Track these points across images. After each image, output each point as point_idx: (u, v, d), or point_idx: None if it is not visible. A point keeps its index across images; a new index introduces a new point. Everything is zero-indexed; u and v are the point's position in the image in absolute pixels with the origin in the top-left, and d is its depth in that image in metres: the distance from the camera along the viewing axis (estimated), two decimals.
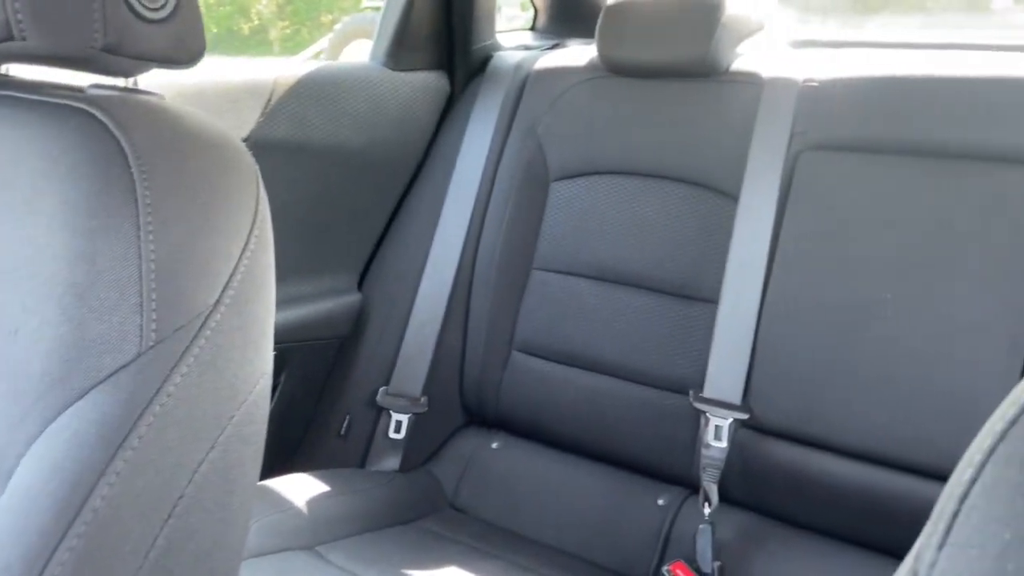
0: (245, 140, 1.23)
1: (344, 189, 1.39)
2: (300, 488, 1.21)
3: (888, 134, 1.13)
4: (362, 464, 1.38)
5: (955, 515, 0.26)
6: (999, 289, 1.02)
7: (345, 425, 1.39)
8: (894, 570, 0.29)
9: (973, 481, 0.27)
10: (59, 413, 0.42)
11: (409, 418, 1.37)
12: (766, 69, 1.27)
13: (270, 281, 0.52)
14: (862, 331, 1.08)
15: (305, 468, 1.32)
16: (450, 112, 1.50)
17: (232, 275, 0.47)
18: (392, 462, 1.37)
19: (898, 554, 0.30)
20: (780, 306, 1.15)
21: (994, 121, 1.07)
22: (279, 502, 1.16)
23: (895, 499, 1.06)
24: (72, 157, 0.46)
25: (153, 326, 0.44)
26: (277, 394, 1.31)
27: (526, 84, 1.45)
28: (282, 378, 1.31)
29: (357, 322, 1.42)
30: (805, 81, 1.22)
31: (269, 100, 1.27)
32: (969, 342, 1.02)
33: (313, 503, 1.18)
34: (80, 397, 0.43)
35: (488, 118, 1.45)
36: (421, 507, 1.32)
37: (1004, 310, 1.01)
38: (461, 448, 1.41)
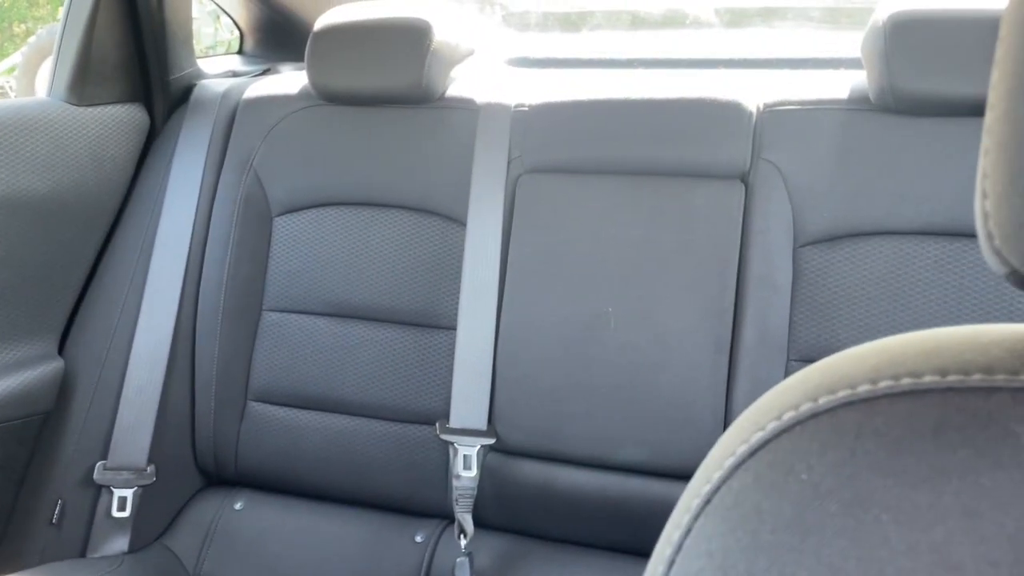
0: None
1: (30, 243, 1.21)
2: None
3: (592, 154, 1.19)
4: (83, 553, 1.21)
5: (688, 528, 0.28)
6: (701, 295, 1.10)
7: (57, 511, 1.22)
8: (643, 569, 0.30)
9: (708, 497, 0.28)
10: None
11: (135, 492, 1.23)
12: (480, 94, 1.28)
13: None
14: (590, 345, 1.13)
15: (13, 567, 1.14)
16: (152, 148, 1.37)
17: None
18: (119, 544, 1.22)
19: (645, 552, 0.31)
20: (514, 328, 1.17)
21: (682, 139, 1.16)
22: None
23: (635, 501, 1.12)
24: None
25: None
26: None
27: (236, 114, 1.36)
28: None
29: (61, 392, 1.25)
30: (517, 106, 1.25)
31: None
32: (682, 346, 1.10)
33: None
34: None
35: (197, 152, 1.34)
36: None
37: (707, 314, 1.10)
38: (200, 515, 1.29)
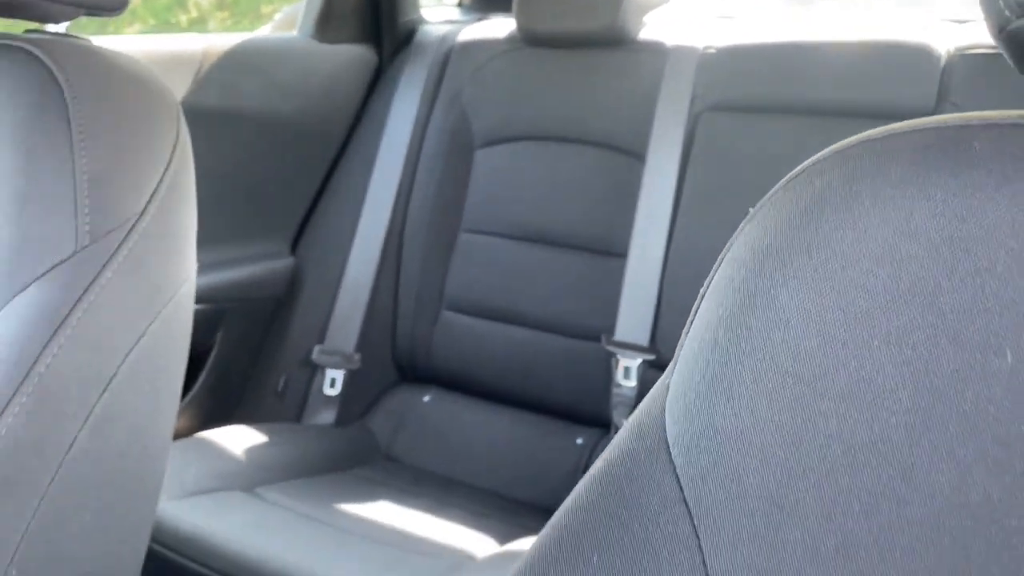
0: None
1: (275, 157, 1.45)
2: (238, 438, 1.27)
3: (774, 95, 1.24)
4: (299, 419, 1.44)
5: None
6: None
7: (282, 383, 1.45)
8: None
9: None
10: (8, 301, 0.49)
11: (344, 374, 1.44)
12: (670, 38, 1.36)
13: (191, 198, 0.59)
14: None
15: (243, 423, 1.39)
16: (377, 83, 1.57)
17: (156, 189, 0.54)
18: (328, 416, 1.44)
19: None
20: (682, 257, 1.26)
21: (866, 81, 1.18)
22: (218, 450, 1.22)
23: None
24: (11, 86, 0.53)
25: (87, 228, 0.51)
26: (215, 352, 1.37)
27: (450, 56, 1.53)
28: (219, 336, 1.37)
29: (291, 284, 1.48)
30: (704, 48, 1.32)
31: (199, 70, 1.32)
32: None
33: (251, 451, 1.25)
34: (24, 288, 0.49)
35: (414, 89, 1.53)
36: (356, 457, 1.39)
37: None
38: (394, 403, 1.49)
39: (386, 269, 1.49)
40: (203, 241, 1.31)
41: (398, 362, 1.51)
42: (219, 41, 1.36)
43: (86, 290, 0.50)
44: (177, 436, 1.28)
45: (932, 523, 0.28)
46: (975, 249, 0.29)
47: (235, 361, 1.43)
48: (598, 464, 0.36)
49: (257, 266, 1.43)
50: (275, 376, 1.47)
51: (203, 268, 1.32)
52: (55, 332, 0.48)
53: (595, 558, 0.33)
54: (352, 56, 1.53)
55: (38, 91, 0.52)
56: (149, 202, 0.54)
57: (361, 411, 1.49)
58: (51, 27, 0.62)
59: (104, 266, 0.51)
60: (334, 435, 1.41)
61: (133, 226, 0.53)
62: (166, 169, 0.56)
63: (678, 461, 0.33)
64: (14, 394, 0.46)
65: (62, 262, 0.50)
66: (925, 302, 0.30)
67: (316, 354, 1.44)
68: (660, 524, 0.32)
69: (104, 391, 0.50)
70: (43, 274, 0.50)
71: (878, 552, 0.29)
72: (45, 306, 0.49)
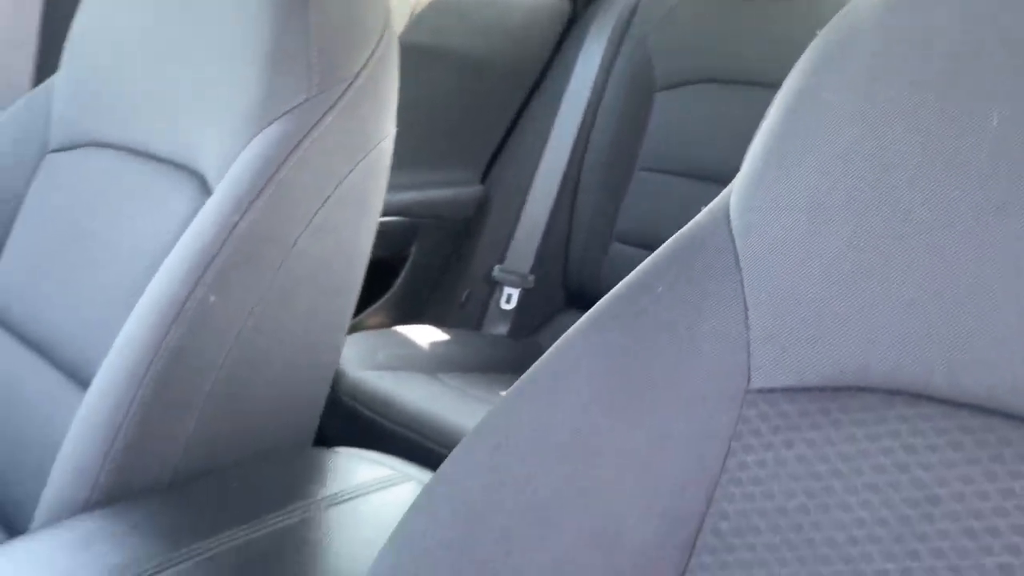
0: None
1: (474, 93, 1.61)
2: (424, 334, 1.45)
3: None
4: (477, 329, 1.61)
5: None
6: None
7: (465, 295, 1.62)
8: None
9: None
10: (258, 133, 0.66)
11: (519, 292, 1.59)
12: None
13: (395, 68, 0.74)
14: None
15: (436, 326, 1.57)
16: (570, 29, 1.69)
17: (371, 56, 0.69)
18: (502, 328, 1.59)
19: None
20: None
21: None
22: (407, 340, 1.41)
23: None
24: None
25: (316, 81, 0.66)
26: (410, 261, 1.56)
27: (639, 2, 1.62)
28: (413, 248, 1.56)
29: (479, 209, 1.64)
30: None
31: (414, 11, 1.50)
32: None
33: (435, 345, 1.42)
34: (270, 124, 0.66)
35: (602, 35, 1.63)
36: (524, 365, 1.52)
37: None
38: (562, 323, 1.61)
39: (563, 201, 1.61)
40: (405, 163, 1.49)
41: (568, 287, 1.63)
42: None
43: (313, 127, 0.66)
44: (372, 329, 1.48)
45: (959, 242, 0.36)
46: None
47: (426, 271, 1.61)
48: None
49: (450, 190, 1.60)
50: (459, 289, 1.64)
51: (404, 187, 1.51)
52: (288, 156, 0.64)
53: (660, 288, 0.43)
54: (548, 4, 1.66)
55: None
56: (363, 67, 0.69)
57: (532, 328, 1.63)
58: None
59: (326, 112, 0.67)
60: (507, 344, 1.57)
61: (351, 83, 0.68)
62: (379, 41, 0.71)
63: (734, 222, 0.43)
64: (259, 194, 0.62)
65: (297, 106, 0.66)
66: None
67: (496, 272, 1.60)
68: (713, 265, 0.42)
69: (322, 205, 0.66)
70: (283, 114, 0.66)
71: (903, 269, 0.37)
72: (283, 137, 0.65)
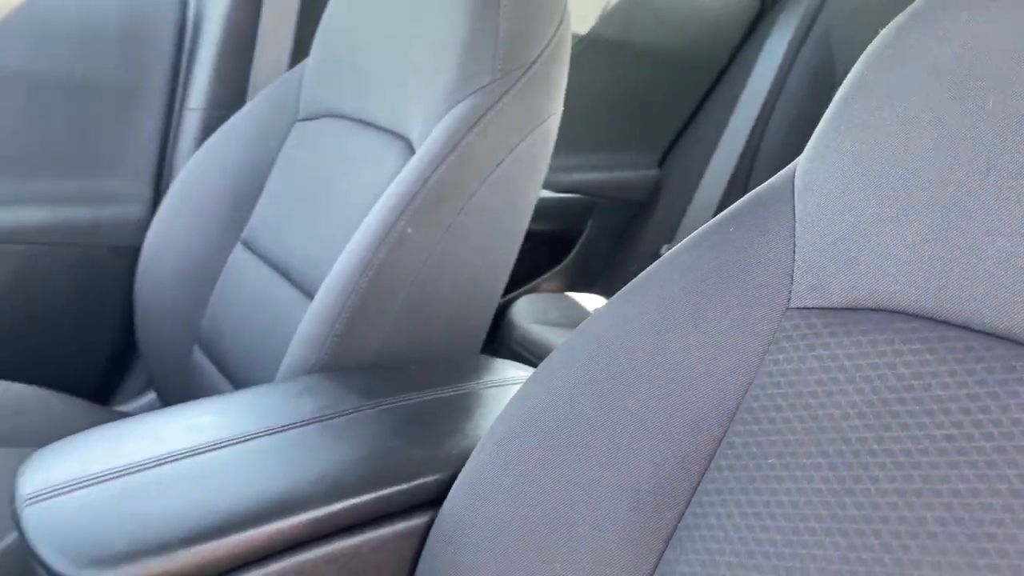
0: (584, 37, 1.63)
1: (658, 83, 1.73)
2: (592, 300, 1.60)
3: None
4: None
5: None
6: None
7: (634, 270, 1.76)
8: None
9: None
10: (450, 110, 0.83)
11: None
12: None
13: (566, 58, 0.89)
14: None
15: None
16: (756, 26, 1.77)
17: (546, 46, 0.85)
18: None
19: None
20: None
21: None
22: (574, 304, 1.57)
23: None
24: None
25: (499, 66, 0.83)
26: (584, 236, 1.72)
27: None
28: (589, 223, 1.71)
29: (653, 192, 1.77)
30: None
31: (606, 5, 1.64)
32: None
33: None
34: (459, 102, 0.83)
35: (787, 30, 1.70)
36: None
37: None
38: None
39: (735, 188, 1.70)
40: (588, 146, 1.65)
41: None
42: None
43: (493, 104, 0.83)
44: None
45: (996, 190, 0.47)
46: None
47: (599, 246, 1.76)
48: None
49: (628, 172, 1.74)
50: (630, 265, 1.77)
51: (585, 167, 1.67)
52: (472, 127, 0.82)
53: (732, 228, 0.56)
54: (737, 0, 1.74)
55: None
56: (539, 55, 0.85)
57: None
58: None
59: (505, 92, 0.83)
60: None
61: (527, 69, 0.84)
62: (554, 33, 0.86)
63: (797, 180, 0.54)
64: (448, 155, 0.80)
65: (482, 87, 0.83)
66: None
67: (664, 251, 1.72)
68: (774, 213, 0.54)
69: (496, 167, 0.83)
70: (471, 93, 0.83)
71: (910, 219, 0.47)
72: (470, 111, 0.82)
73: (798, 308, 0.51)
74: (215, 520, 0.51)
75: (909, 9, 0.54)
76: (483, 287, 0.86)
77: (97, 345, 1.24)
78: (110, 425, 0.62)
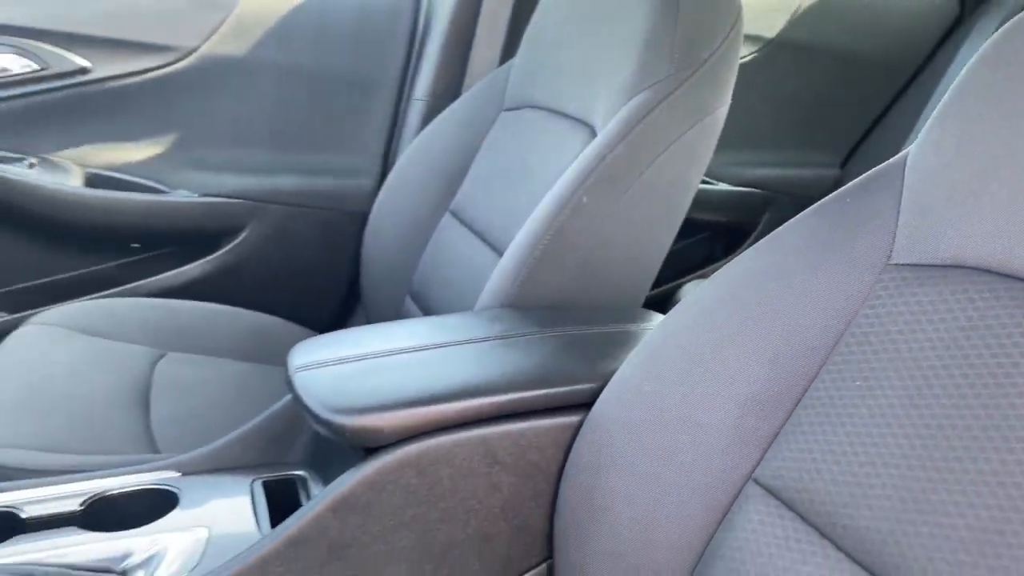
0: (771, 41, 1.71)
1: (845, 86, 1.78)
2: None
3: None
4: None
5: None
6: None
7: None
8: None
9: None
10: (628, 101, 0.98)
11: None
12: None
13: (736, 56, 1.01)
14: None
15: None
16: (952, 32, 1.77)
17: (719, 45, 0.98)
18: None
19: None
20: None
21: None
22: None
23: None
24: None
25: (675, 63, 0.97)
26: (758, 229, 1.80)
27: None
28: (764, 218, 1.79)
29: (831, 190, 1.81)
30: None
31: (796, 10, 1.72)
32: None
33: None
34: (638, 93, 0.98)
35: (985, 35, 1.69)
36: None
37: None
38: None
39: None
40: (768, 143, 1.74)
41: None
42: None
43: (666, 96, 0.97)
44: None
45: None
46: None
47: None
48: None
49: (808, 170, 1.80)
50: None
51: (764, 163, 1.75)
52: (646, 116, 0.96)
53: (848, 199, 0.67)
54: (936, 5, 1.76)
55: None
56: (712, 53, 0.98)
57: None
58: None
59: (678, 86, 0.97)
60: None
61: (700, 66, 0.98)
62: (728, 33, 0.99)
63: (908, 160, 0.65)
64: (622, 140, 0.95)
65: (658, 81, 0.98)
66: None
67: None
68: (885, 186, 0.65)
69: (663, 151, 0.97)
70: (648, 87, 0.98)
71: (997, 192, 0.57)
72: (645, 102, 0.97)
73: (895, 264, 0.62)
74: (428, 393, 0.70)
75: (1012, 21, 0.63)
76: (645, 255, 1.00)
77: (331, 290, 1.51)
78: (353, 329, 0.83)
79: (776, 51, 1.69)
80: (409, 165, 1.35)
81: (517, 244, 0.97)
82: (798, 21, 1.72)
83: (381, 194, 1.37)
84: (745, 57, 1.72)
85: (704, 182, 1.77)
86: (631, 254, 0.99)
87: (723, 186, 1.76)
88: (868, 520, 0.56)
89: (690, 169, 1.02)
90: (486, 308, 0.95)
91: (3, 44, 1.31)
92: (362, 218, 1.39)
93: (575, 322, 0.86)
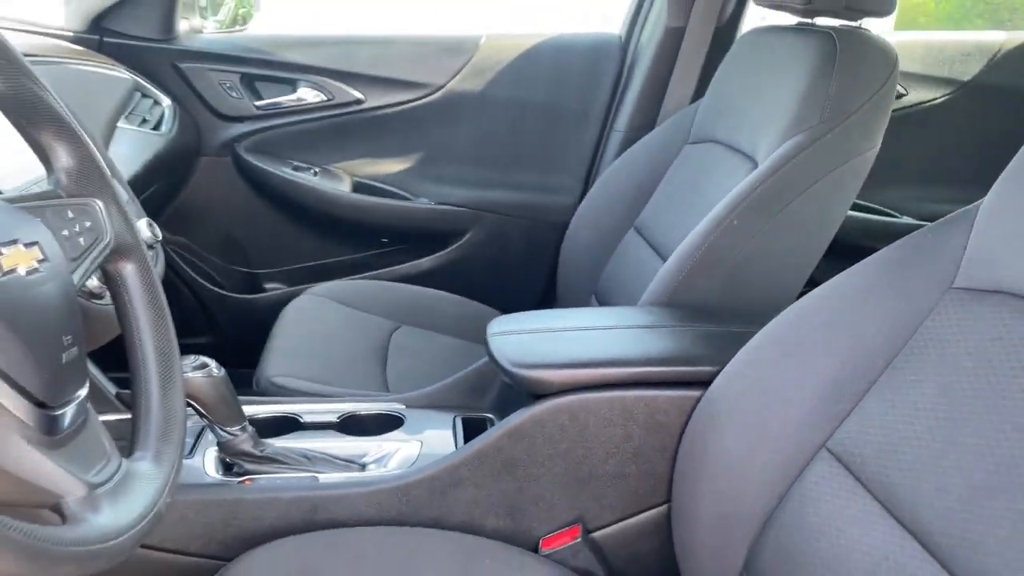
0: (965, 84, 1.78)
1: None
2: None
3: None
4: None
5: None
6: None
7: None
8: None
9: None
10: (781, 144, 1.16)
11: None
12: None
13: (888, 106, 1.15)
14: None
15: None
16: None
17: (871, 97, 1.13)
18: None
19: None
20: None
21: None
22: None
23: None
24: (807, 52, 1.19)
25: (827, 112, 1.14)
26: None
27: None
28: None
29: None
30: None
31: (995, 54, 1.78)
32: None
33: None
34: (791, 138, 1.16)
35: None
36: None
37: None
38: None
39: None
40: (955, 181, 1.80)
41: None
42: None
43: (817, 140, 1.14)
44: None
45: None
46: None
47: None
48: None
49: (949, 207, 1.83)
50: None
51: (949, 200, 1.81)
52: (796, 155, 1.14)
53: (929, 234, 0.83)
54: None
55: (819, 54, 1.18)
56: (863, 104, 1.14)
57: None
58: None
59: (829, 131, 1.14)
60: None
61: (851, 115, 1.14)
62: (881, 87, 1.14)
63: (982, 208, 0.80)
64: (774, 173, 1.14)
65: (811, 127, 1.15)
66: None
67: None
68: (959, 222, 0.81)
69: (811, 185, 1.14)
70: (801, 131, 1.16)
71: None
72: (798, 144, 1.15)
73: (957, 288, 0.78)
74: (583, 360, 0.94)
75: None
76: (785, 273, 1.18)
77: (532, 286, 1.79)
78: (540, 311, 1.10)
79: (971, 93, 1.76)
80: (604, 186, 1.60)
81: (676, 255, 1.19)
82: (996, 65, 1.77)
83: (579, 209, 1.63)
84: (938, 99, 1.80)
85: (886, 214, 1.86)
86: (772, 271, 1.17)
87: (906, 219, 1.84)
88: (899, 478, 0.73)
89: (835, 203, 1.18)
90: (646, 304, 1.17)
91: (303, 80, 1.71)
92: (562, 228, 1.65)
93: (709, 320, 1.07)
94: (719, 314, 1.10)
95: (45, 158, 0.66)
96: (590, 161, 1.78)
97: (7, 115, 0.63)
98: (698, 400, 0.94)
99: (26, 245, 0.56)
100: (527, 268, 1.78)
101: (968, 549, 0.65)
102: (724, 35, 1.63)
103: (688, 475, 0.92)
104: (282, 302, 1.53)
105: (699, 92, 1.66)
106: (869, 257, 0.87)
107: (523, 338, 1.01)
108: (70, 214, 0.65)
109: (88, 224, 0.66)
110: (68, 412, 0.56)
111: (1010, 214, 0.76)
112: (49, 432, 0.54)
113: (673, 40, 1.64)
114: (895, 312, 0.81)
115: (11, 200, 0.60)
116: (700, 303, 1.15)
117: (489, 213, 1.76)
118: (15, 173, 0.88)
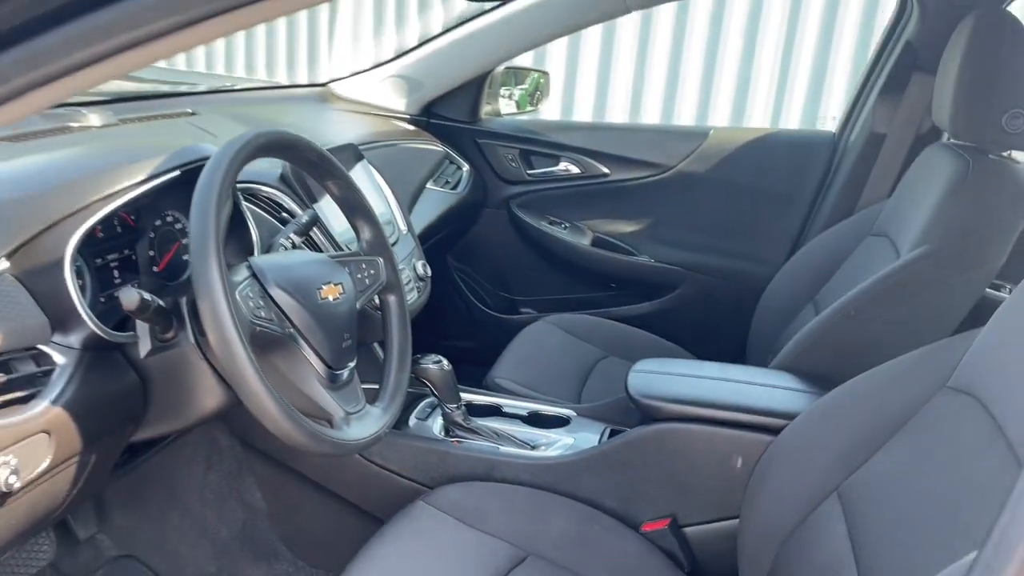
0: None
1: None
2: None
3: None
4: None
5: None
6: None
7: None
8: None
9: None
10: (914, 249, 1.40)
11: None
12: None
13: (1010, 239, 1.34)
14: None
15: None
16: None
17: (987, 225, 1.33)
18: None
19: None
20: None
21: None
22: None
23: None
24: (949, 173, 1.41)
25: (952, 230, 1.35)
26: None
27: None
28: None
29: None
30: None
31: None
32: None
33: None
34: (920, 247, 1.39)
35: None
36: None
37: None
38: None
39: None
40: None
41: None
42: None
43: (939, 251, 1.36)
44: None
45: None
46: None
47: None
48: None
49: None
50: None
51: None
52: (924, 258, 1.37)
53: (944, 346, 1.07)
54: None
55: (955, 176, 1.39)
56: (981, 228, 1.34)
57: None
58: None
59: (946, 247, 1.36)
60: None
61: (973, 233, 1.35)
62: (1007, 217, 1.34)
63: (980, 335, 1.04)
64: (896, 275, 1.38)
65: (938, 238, 1.37)
66: None
67: None
68: (960, 346, 1.05)
69: (924, 291, 1.36)
70: (924, 243, 1.38)
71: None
72: (923, 253, 1.38)
73: (948, 387, 1.03)
74: (693, 398, 1.30)
75: None
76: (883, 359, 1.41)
77: (729, 340, 2.11)
78: (687, 360, 1.47)
79: None
80: (796, 262, 1.88)
81: (807, 328, 1.47)
82: None
83: (774, 279, 1.92)
84: None
85: None
86: (874, 359, 1.41)
87: None
88: (874, 519, 1.00)
89: (952, 309, 1.39)
90: (776, 365, 1.47)
91: (564, 156, 2.21)
92: (758, 292, 1.95)
93: (803, 384, 1.36)
94: (818, 380, 1.38)
95: (356, 233, 1.20)
96: (795, 238, 2.05)
97: (341, 209, 1.18)
98: (768, 444, 1.25)
99: (335, 284, 1.09)
100: (726, 323, 2.09)
101: None
102: (924, 143, 1.83)
103: (751, 500, 1.24)
104: (528, 324, 2.02)
105: (894, 191, 1.87)
106: (905, 355, 1.12)
107: (653, 376, 1.38)
108: (364, 266, 1.17)
109: (372, 272, 1.18)
110: (344, 373, 1.08)
111: (995, 339, 0.99)
112: (332, 381, 1.05)
113: (875, 143, 1.87)
114: (900, 399, 1.07)
115: (333, 257, 1.13)
116: (812, 369, 1.43)
117: (697, 274, 2.12)
118: (343, 233, 1.45)
